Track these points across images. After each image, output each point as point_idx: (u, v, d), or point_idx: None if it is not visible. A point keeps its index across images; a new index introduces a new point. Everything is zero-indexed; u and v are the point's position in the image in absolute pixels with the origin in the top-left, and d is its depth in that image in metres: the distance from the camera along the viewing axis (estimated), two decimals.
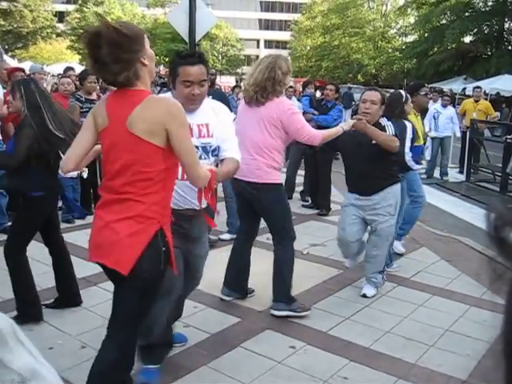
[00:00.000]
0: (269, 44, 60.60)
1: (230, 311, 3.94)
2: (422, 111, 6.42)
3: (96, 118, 2.36)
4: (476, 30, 32.40)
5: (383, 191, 4.17)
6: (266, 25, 64.80)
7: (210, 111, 3.00)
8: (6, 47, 39.07)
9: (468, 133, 10.98)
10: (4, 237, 5.35)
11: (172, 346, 3.20)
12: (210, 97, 3.52)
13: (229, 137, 2.98)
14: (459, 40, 32.52)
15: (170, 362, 3.18)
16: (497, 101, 19.44)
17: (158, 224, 2.30)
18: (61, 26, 49.16)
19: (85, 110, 6.01)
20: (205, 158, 2.93)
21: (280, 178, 3.90)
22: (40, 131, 3.39)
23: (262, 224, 4.09)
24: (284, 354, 3.36)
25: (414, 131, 4.84)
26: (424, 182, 8.12)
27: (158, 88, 10.32)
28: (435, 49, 34.06)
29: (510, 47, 31.69)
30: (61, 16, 50.77)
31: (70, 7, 50.44)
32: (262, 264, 4.23)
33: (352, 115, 4.79)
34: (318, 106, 7.54)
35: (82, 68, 15.53)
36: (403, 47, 39.23)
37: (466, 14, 32.16)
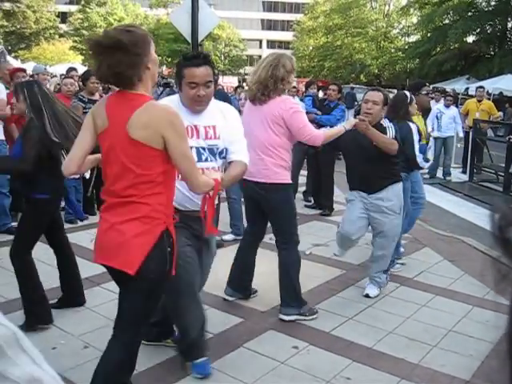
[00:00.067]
0: (271, 44, 60.56)
1: (232, 311, 3.94)
2: (425, 111, 6.41)
3: (95, 118, 2.36)
4: (479, 29, 32.34)
5: (384, 190, 4.16)
6: (269, 25, 64.80)
7: (218, 113, 3.00)
8: (9, 48, 39.18)
9: (471, 133, 10.95)
10: (7, 237, 5.39)
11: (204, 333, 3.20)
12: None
13: (237, 139, 2.98)
14: (462, 40, 32.48)
15: (172, 362, 3.19)
16: (500, 101, 19.39)
17: (163, 224, 2.31)
18: (64, 27, 49.24)
19: (87, 110, 6.01)
20: (211, 160, 2.93)
21: (289, 177, 3.84)
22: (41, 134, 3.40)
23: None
24: (287, 355, 3.36)
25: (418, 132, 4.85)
26: (427, 182, 8.12)
27: (161, 88, 10.31)
28: (438, 49, 34.03)
29: None
30: (64, 17, 50.85)
31: (73, 8, 50.55)
32: (265, 264, 4.23)
33: (355, 115, 4.77)
34: (321, 106, 7.54)
35: (85, 69, 15.57)
36: (406, 47, 39.22)
37: (469, 13, 32.12)
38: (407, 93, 5.06)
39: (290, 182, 3.87)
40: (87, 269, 4.08)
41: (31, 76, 8.73)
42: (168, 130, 2.22)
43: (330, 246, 5.49)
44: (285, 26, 60.95)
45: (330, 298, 4.30)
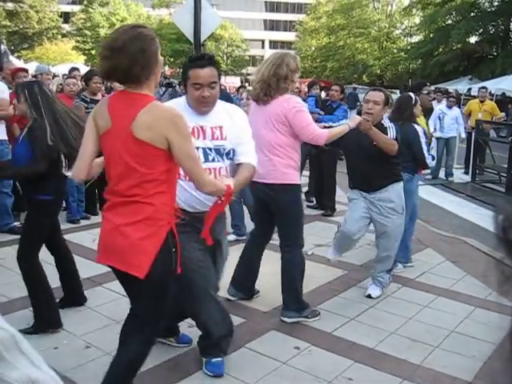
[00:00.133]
0: (274, 44, 60.55)
1: (235, 312, 3.94)
2: (427, 111, 6.41)
3: (97, 120, 2.36)
4: (482, 30, 32.28)
5: (385, 190, 4.14)
6: (271, 25, 64.81)
7: (224, 114, 2.99)
8: (12, 48, 39.28)
9: (473, 133, 10.94)
10: (10, 237, 5.41)
11: (232, 334, 3.23)
12: None
13: (244, 140, 2.97)
14: (465, 40, 32.43)
15: (174, 362, 3.19)
16: (502, 101, 19.33)
17: (168, 225, 2.33)
18: (66, 27, 49.32)
19: (89, 110, 6.02)
20: (218, 161, 2.93)
21: (297, 178, 3.79)
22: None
23: None
24: (288, 355, 3.36)
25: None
26: (429, 183, 8.10)
27: (163, 88, 10.32)
28: (440, 49, 34.00)
29: None
30: (66, 17, 50.94)
31: (76, 8, 50.63)
32: (267, 265, 4.23)
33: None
34: (324, 107, 7.55)
35: (87, 69, 15.60)
36: (408, 48, 39.16)
37: (472, 14, 32.06)
38: (412, 94, 5.05)
39: (299, 182, 3.83)
40: (89, 269, 4.08)
41: (34, 76, 8.75)
42: (171, 131, 2.23)
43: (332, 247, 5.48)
44: (287, 26, 60.97)
45: (332, 299, 4.30)
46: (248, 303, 4.12)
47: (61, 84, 9.57)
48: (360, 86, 26.05)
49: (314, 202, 7.47)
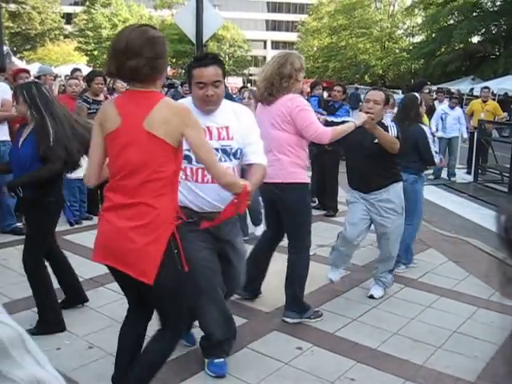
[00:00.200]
0: (276, 45, 60.58)
1: (237, 312, 3.93)
2: (429, 111, 6.41)
3: (103, 123, 2.37)
4: (484, 30, 32.23)
5: (385, 191, 4.13)
6: (273, 26, 64.83)
7: (231, 114, 2.99)
8: (15, 49, 39.39)
9: (476, 133, 10.92)
10: (12, 237, 5.42)
11: (235, 336, 3.25)
12: None
13: (252, 140, 2.97)
14: (467, 40, 32.38)
15: (177, 363, 3.19)
16: (505, 101, 19.32)
17: (169, 230, 2.34)
18: (68, 28, 49.41)
19: (92, 111, 6.03)
20: (225, 161, 2.92)
21: (305, 176, 3.75)
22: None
23: None
24: (291, 355, 3.35)
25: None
26: (431, 183, 8.10)
27: (166, 89, 10.34)
28: (443, 49, 33.93)
29: None
30: (68, 18, 51.00)
31: (78, 9, 50.70)
32: (271, 265, 4.22)
33: None
34: (326, 107, 7.55)
35: (90, 69, 15.61)
36: (410, 48, 39.09)
37: (474, 13, 32.00)
38: (417, 94, 5.06)
39: (307, 181, 3.79)
40: (91, 269, 4.08)
41: (37, 77, 8.75)
42: (186, 124, 2.30)
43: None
44: (289, 26, 60.97)
45: (335, 299, 4.30)
46: (250, 304, 4.12)
47: (63, 85, 9.60)
48: (362, 87, 26.02)
49: (316, 202, 7.46)
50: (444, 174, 10.51)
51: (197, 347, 3.33)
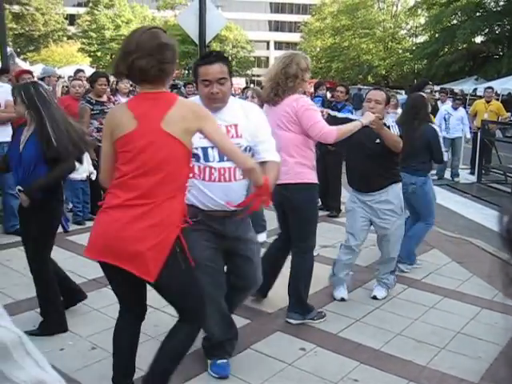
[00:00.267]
0: (279, 45, 60.63)
1: (240, 313, 3.93)
2: (431, 111, 6.40)
3: (114, 128, 2.37)
4: (487, 30, 32.16)
5: (384, 192, 4.12)
6: (276, 26, 64.84)
7: (240, 111, 2.98)
8: (18, 50, 39.50)
9: (479, 133, 10.90)
10: (15, 238, 5.42)
11: (237, 337, 3.26)
12: None
13: (264, 138, 2.96)
14: (470, 40, 32.31)
15: (179, 364, 3.18)
16: (508, 101, 19.23)
17: (175, 233, 2.35)
18: (72, 29, 49.52)
19: (95, 112, 6.04)
20: None
21: (313, 176, 3.72)
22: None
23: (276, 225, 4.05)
24: (294, 356, 3.35)
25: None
26: (435, 183, 8.08)
27: (169, 90, 10.34)
28: (446, 49, 33.88)
29: None
30: (72, 19, 51.14)
31: (81, 10, 50.86)
32: None
33: None
34: (329, 108, 7.53)
35: (93, 70, 15.62)
36: (413, 48, 39.06)
37: (477, 14, 31.93)
38: (423, 94, 5.05)
39: (315, 181, 3.75)
40: (94, 270, 4.06)
41: (41, 79, 8.78)
42: (201, 119, 2.36)
43: (338, 248, 5.46)
44: (292, 27, 60.99)
45: (338, 300, 4.29)
46: (253, 304, 4.12)
47: (66, 86, 9.62)
48: (365, 87, 25.94)
49: (320, 202, 7.45)
50: (447, 175, 10.49)
51: (198, 348, 3.33)
